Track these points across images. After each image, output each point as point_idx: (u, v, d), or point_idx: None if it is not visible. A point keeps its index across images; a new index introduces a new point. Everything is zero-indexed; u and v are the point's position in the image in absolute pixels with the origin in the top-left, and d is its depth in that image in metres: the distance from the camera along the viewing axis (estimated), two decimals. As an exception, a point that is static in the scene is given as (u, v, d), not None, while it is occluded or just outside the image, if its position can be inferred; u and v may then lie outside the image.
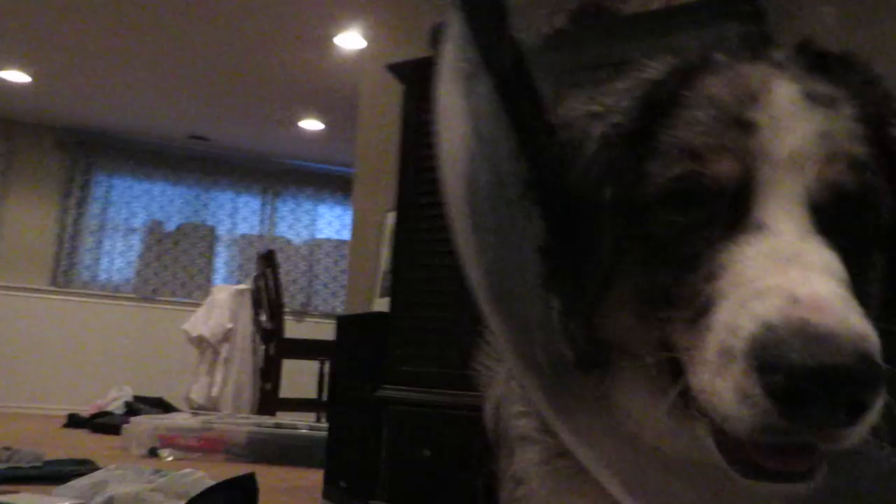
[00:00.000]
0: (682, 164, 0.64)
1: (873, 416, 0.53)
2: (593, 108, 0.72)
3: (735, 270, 0.58)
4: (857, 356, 0.49)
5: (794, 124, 0.62)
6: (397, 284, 2.61)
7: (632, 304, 0.68)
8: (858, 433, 0.54)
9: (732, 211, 0.62)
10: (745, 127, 0.63)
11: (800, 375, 0.49)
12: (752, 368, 0.52)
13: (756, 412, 0.52)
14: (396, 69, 2.88)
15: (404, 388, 2.34)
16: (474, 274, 0.75)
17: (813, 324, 0.50)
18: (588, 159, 0.70)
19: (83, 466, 3.03)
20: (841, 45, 0.73)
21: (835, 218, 0.61)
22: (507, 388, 0.86)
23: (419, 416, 2.29)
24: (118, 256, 7.90)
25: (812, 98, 0.64)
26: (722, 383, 0.54)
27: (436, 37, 3.15)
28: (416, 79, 2.79)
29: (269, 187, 8.49)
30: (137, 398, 6.17)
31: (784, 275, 0.55)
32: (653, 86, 0.70)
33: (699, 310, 0.59)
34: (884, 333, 0.55)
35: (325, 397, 5.47)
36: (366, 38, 4.79)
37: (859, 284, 0.58)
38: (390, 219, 3.40)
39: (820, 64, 0.70)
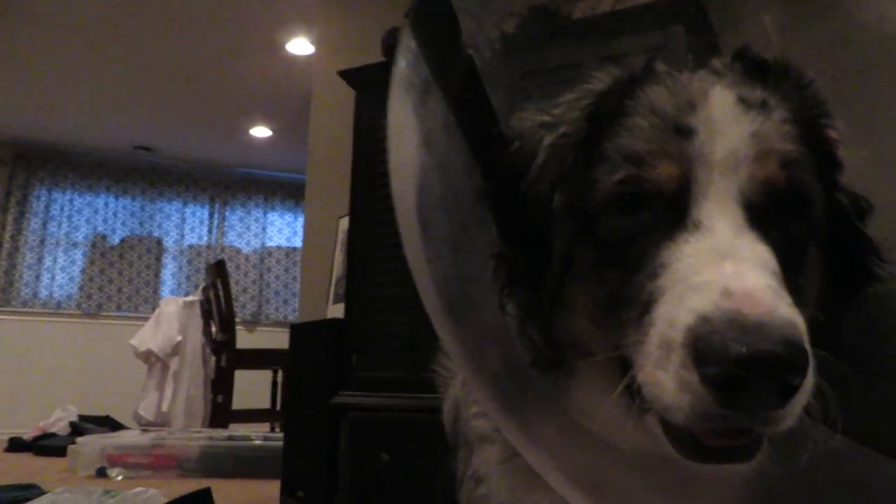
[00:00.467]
0: (626, 169, 0.68)
1: (803, 398, 0.57)
2: (544, 119, 0.76)
3: (674, 268, 0.62)
4: (785, 342, 0.53)
5: (728, 128, 0.67)
6: (352, 289, 2.60)
7: (586, 308, 0.71)
8: (791, 415, 0.57)
9: (672, 212, 0.66)
10: (684, 133, 0.67)
11: (732, 363, 0.52)
12: (689, 358, 0.55)
13: (694, 400, 0.56)
14: (348, 75, 2.88)
15: (361, 393, 2.33)
16: (424, 285, 0.76)
17: (744, 314, 0.54)
18: (538, 168, 0.73)
19: (28, 492, 2.91)
20: (780, 50, 0.77)
21: (769, 214, 0.65)
22: (465, 390, 0.87)
23: (377, 422, 2.28)
24: (60, 272, 7.65)
25: (746, 103, 0.69)
26: (663, 374, 0.58)
27: (388, 44, 3.19)
28: (367, 85, 2.79)
29: (217, 196, 8.35)
30: (83, 418, 5.96)
31: (718, 270, 0.58)
32: (598, 97, 0.74)
33: (643, 307, 0.63)
34: (817, 321, 0.59)
35: (278, 407, 5.40)
36: (316, 44, 4.76)
37: (794, 277, 0.63)
38: (344, 224, 3.38)
39: (755, 70, 0.74)
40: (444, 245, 0.80)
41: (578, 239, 0.71)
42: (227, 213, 8.39)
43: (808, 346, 0.55)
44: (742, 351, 0.52)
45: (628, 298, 0.65)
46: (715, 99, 0.69)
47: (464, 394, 0.88)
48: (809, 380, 0.56)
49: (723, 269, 0.58)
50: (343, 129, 3.11)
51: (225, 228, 8.37)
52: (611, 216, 0.68)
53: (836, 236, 0.73)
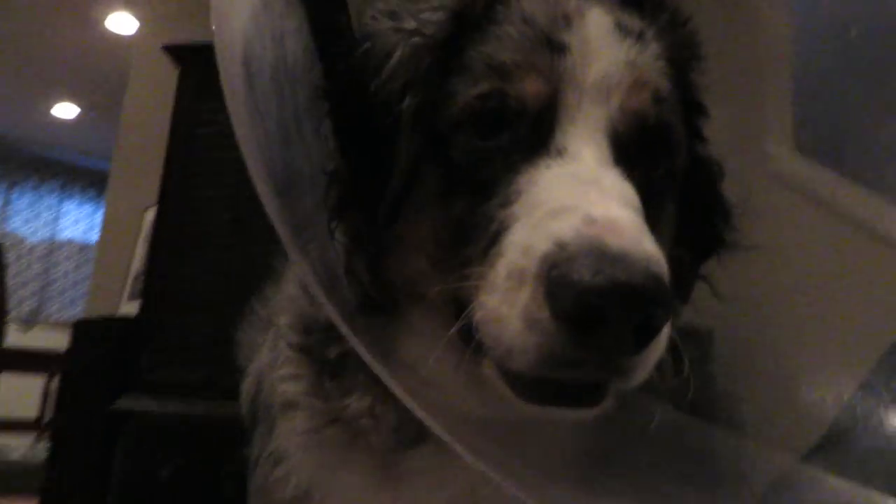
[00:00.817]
0: (489, 81, 0.61)
1: (659, 347, 0.52)
2: (403, 25, 0.67)
3: (532, 193, 0.56)
4: (649, 275, 0.48)
5: (603, 51, 0.62)
6: (151, 285, 2.39)
7: (424, 246, 0.63)
8: (644, 365, 0.53)
9: (534, 135, 0.60)
10: (556, 48, 0.61)
11: (590, 293, 0.47)
12: (541, 290, 0.49)
13: (543, 340, 0.49)
14: (174, 51, 2.68)
15: (149, 398, 2.09)
16: (256, 169, 0.64)
17: (606, 243, 0.49)
18: (392, 67, 0.64)
19: None
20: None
21: (634, 152, 0.61)
22: (274, 355, 0.76)
23: (165, 431, 2.06)
24: None
25: (623, 29, 0.65)
26: (508, 310, 0.51)
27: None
28: (193, 63, 2.61)
29: (4, 176, 7.40)
30: None
31: (582, 197, 0.53)
32: None
33: (492, 238, 0.56)
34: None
35: (49, 416, 4.82)
36: (140, 18, 4.40)
37: (652, 225, 0.58)
38: (149, 216, 3.10)
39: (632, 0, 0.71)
40: (274, 124, 0.68)
41: (426, 159, 0.63)
42: (13, 197, 7.45)
43: (668, 286, 0.50)
44: (602, 280, 0.47)
45: (475, 230, 0.58)
46: (592, 19, 0.64)
47: (271, 361, 0.77)
48: (666, 330, 0.52)
49: (586, 197, 0.54)
50: (160, 112, 2.89)
51: (10, 213, 7.42)
52: (466, 134, 0.61)
53: (692, 194, 0.70)
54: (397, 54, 0.65)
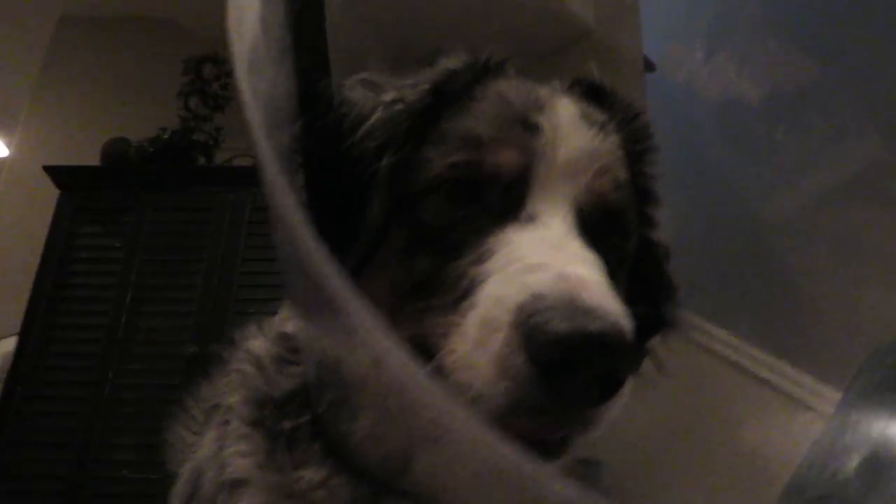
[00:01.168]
0: (464, 151, 0.64)
1: (620, 401, 0.54)
2: (382, 95, 0.70)
3: (504, 252, 0.58)
4: (617, 330, 0.51)
5: (572, 136, 0.67)
6: (3, 421, 2.16)
7: (386, 297, 0.63)
8: (605, 417, 0.54)
9: (506, 202, 0.63)
10: (530, 127, 0.66)
11: (566, 340, 0.49)
12: (516, 338, 0.51)
13: (513, 386, 0.51)
14: (55, 172, 2.60)
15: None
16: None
17: (580, 297, 0.51)
18: (370, 126, 0.67)
19: None
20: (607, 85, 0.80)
21: (596, 228, 0.65)
22: (219, 443, 0.70)
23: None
24: None
25: (588, 119, 0.70)
26: (480, 357, 0.53)
27: (110, 151, 2.91)
28: (75, 186, 2.54)
29: None
30: None
31: (553, 257, 0.56)
32: (448, 74, 0.70)
33: (464, 292, 0.58)
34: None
35: None
36: (16, 142, 4.23)
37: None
38: (6, 346, 2.84)
39: (592, 94, 0.76)
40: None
41: (394, 220, 0.64)
42: None
43: (632, 342, 0.52)
44: (577, 329, 0.49)
45: (441, 285, 0.60)
46: (562, 106, 0.69)
47: (214, 449, 0.70)
48: (627, 388, 0.54)
49: (557, 257, 0.56)
50: (32, 236, 2.75)
51: None
52: (437, 199, 0.64)
53: (641, 275, 0.74)
54: (376, 115, 0.67)
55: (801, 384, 1.70)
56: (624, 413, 0.58)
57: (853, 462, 0.92)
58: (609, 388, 0.53)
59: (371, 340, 0.44)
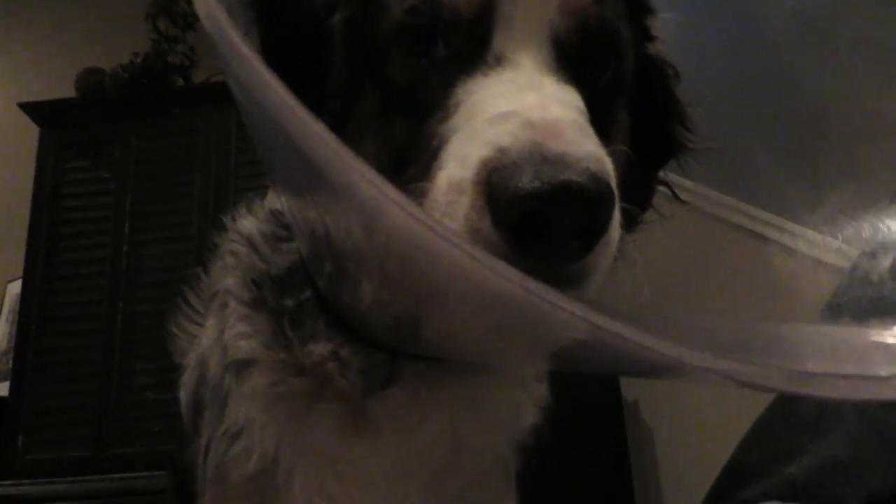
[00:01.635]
0: None
1: (608, 250, 0.50)
2: None
3: (469, 103, 0.53)
4: (590, 175, 0.46)
5: None
6: (21, 361, 2.19)
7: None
8: (594, 270, 0.50)
9: (470, 44, 0.57)
10: None
11: (528, 197, 0.45)
12: (480, 198, 0.47)
13: (487, 248, 0.46)
14: (32, 109, 2.53)
15: (29, 482, 1.90)
16: None
17: (545, 146, 0.47)
18: None
19: None
20: None
21: (577, 59, 0.58)
22: (221, 326, 0.69)
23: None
24: None
25: None
26: (451, 222, 0.48)
27: (83, 82, 2.80)
28: (55, 121, 2.47)
29: None
30: None
31: (520, 102, 0.51)
32: None
33: (433, 153, 0.53)
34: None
35: None
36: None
37: (604, 133, 0.55)
38: (14, 289, 2.86)
39: None
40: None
41: (363, 81, 0.59)
42: None
43: (614, 184, 0.48)
44: (539, 183, 0.44)
45: (416, 149, 0.55)
46: None
47: (217, 333, 0.70)
48: (615, 231, 0.50)
49: (525, 101, 0.51)
50: (17, 177, 2.71)
51: None
52: (400, 52, 0.57)
53: (644, 98, 0.67)
54: None
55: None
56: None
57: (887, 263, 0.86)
58: (589, 238, 0.48)
59: (362, 193, 0.41)
